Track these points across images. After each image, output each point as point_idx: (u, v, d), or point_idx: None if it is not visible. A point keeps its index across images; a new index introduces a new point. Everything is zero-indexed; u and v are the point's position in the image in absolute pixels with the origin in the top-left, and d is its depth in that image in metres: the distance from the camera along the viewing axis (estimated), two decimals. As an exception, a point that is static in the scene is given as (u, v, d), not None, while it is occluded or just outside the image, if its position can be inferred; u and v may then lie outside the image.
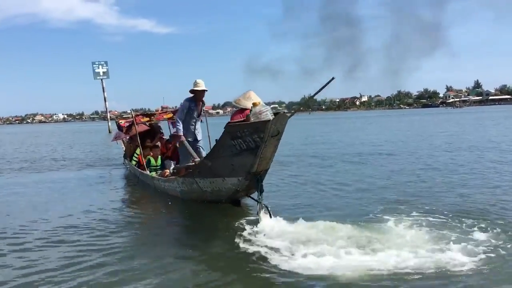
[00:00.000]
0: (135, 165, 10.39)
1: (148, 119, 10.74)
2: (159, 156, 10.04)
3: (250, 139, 5.89)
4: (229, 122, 6.34)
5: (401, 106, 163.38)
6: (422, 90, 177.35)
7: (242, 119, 6.44)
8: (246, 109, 6.79)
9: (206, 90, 8.28)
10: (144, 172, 9.61)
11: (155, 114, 11.04)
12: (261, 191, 6.27)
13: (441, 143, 17.65)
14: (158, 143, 10.67)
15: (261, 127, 5.73)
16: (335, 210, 6.87)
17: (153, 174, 9.43)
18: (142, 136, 10.81)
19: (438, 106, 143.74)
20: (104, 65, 45.48)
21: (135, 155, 10.52)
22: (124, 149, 13.35)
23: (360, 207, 6.97)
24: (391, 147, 16.75)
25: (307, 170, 11.42)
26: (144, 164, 9.86)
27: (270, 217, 6.19)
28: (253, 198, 6.73)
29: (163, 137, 11.58)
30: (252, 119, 5.87)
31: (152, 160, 9.89)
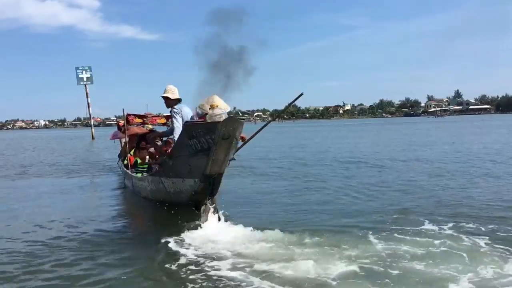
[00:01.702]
0: (125, 165, 10.34)
1: (141, 120, 10.76)
2: (148, 158, 9.99)
3: (204, 140, 5.89)
4: (186, 121, 6.52)
5: (384, 114, 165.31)
6: (404, 99, 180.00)
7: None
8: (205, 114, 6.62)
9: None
10: (128, 170, 9.50)
11: (147, 116, 11.04)
12: (212, 194, 6.33)
13: (450, 151, 17.91)
14: (148, 146, 10.63)
15: (212, 128, 5.74)
16: (294, 221, 6.68)
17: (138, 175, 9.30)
18: (140, 138, 10.69)
19: (419, 115, 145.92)
20: (88, 70, 45.11)
21: (128, 155, 10.49)
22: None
23: (317, 218, 6.83)
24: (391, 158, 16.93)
25: (290, 181, 11.38)
26: (131, 164, 9.83)
27: (219, 220, 6.25)
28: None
29: (158, 142, 11.54)
30: (208, 121, 5.90)
31: (139, 161, 9.87)
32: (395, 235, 5.55)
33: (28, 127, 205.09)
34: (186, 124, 6.28)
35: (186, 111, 7.24)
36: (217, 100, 6.85)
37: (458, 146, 19.65)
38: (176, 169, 6.46)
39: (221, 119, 5.79)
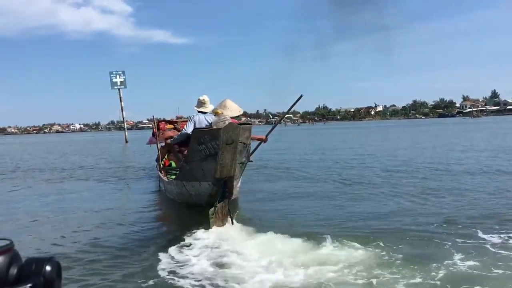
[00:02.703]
0: (160, 169, 10.42)
1: (172, 126, 10.91)
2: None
3: (211, 145, 6.25)
4: (194, 128, 7.07)
5: (417, 116, 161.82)
6: (438, 100, 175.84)
7: None
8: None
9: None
10: (160, 174, 9.74)
11: (177, 122, 11.18)
12: (225, 197, 6.63)
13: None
14: (182, 149, 10.65)
15: (216, 134, 6.13)
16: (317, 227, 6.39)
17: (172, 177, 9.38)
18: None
19: (454, 116, 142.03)
20: (122, 74, 45.81)
21: (164, 159, 10.63)
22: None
23: (341, 224, 6.51)
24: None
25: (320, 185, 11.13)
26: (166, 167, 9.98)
27: (232, 223, 6.45)
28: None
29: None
30: (214, 127, 6.38)
31: (173, 163, 9.98)
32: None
33: (64, 130, 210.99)
34: (193, 131, 6.81)
35: (201, 119, 7.68)
36: (229, 104, 7.64)
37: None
38: (193, 173, 6.85)
39: (223, 125, 6.16)
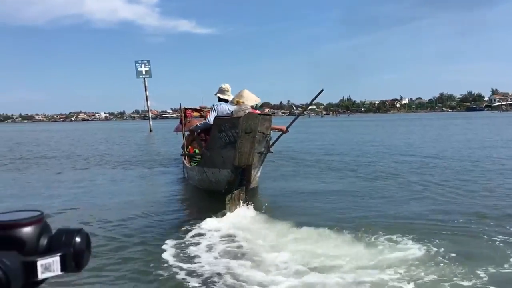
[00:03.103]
0: (185, 156, 10.56)
1: (198, 114, 11.21)
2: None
3: (230, 133, 6.48)
4: (216, 116, 7.37)
5: (444, 109, 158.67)
6: (466, 93, 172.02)
7: None
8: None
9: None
10: (185, 161, 9.90)
11: (203, 110, 11.26)
12: (242, 184, 6.89)
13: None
14: (208, 137, 10.74)
15: (236, 122, 6.38)
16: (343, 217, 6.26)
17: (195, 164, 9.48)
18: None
19: (483, 110, 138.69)
20: (147, 64, 46.03)
21: (190, 147, 10.73)
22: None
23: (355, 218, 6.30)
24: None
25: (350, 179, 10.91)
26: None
27: (248, 210, 6.58)
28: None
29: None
30: (234, 116, 6.62)
31: (197, 151, 9.97)
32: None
33: (89, 119, 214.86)
34: (215, 119, 7.12)
35: (223, 108, 7.78)
36: (246, 94, 7.86)
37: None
38: (213, 159, 7.05)
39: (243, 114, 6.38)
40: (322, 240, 5.08)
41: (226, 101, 8.12)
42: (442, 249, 4.64)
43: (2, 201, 8.35)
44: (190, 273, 4.20)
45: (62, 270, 0.65)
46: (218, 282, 3.97)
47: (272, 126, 7.60)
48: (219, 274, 4.14)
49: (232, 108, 7.44)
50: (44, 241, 0.66)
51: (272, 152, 8.09)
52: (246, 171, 6.81)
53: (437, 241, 4.93)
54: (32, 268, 0.61)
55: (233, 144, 6.47)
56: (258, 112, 7.74)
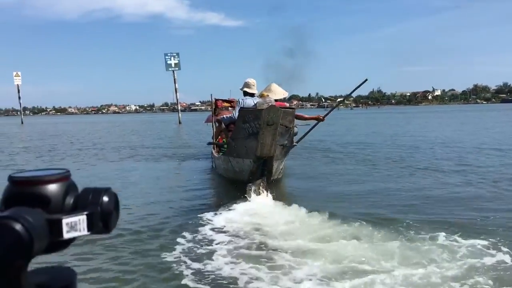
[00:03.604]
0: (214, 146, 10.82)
1: (229, 104, 11.40)
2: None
3: (254, 125, 6.73)
4: (241, 107, 7.67)
5: (478, 101, 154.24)
6: (501, 84, 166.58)
7: None
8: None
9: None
10: (213, 151, 10.18)
11: (233, 101, 11.31)
12: (263, 175, 7.04)
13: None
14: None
15: (258, 114, 6.60)
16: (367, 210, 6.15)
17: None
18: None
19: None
20: (176, 56, 46.18)
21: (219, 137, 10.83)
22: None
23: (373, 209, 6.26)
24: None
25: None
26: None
27: (269, 200, 6.69)
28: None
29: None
30: (258, 108, 6.89)
31: (224, 140, 10.00)
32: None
33: (120, 111, 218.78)
34: (240, 110, 7.43)
35: (248, 102, 7.93)
36: (274, 88, 8.24)
37: None
38: (237, 149, 7.36)
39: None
40: (348, 236, 4.87)
41: (252, 95, 8.28)
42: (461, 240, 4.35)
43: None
44: (200, 266, 4.18)
45: (89, 230, 0.63)
46: (226, 278, 3.91)
47: (306, 116, 8.19)
48: (229, 268, 4.11)
49: (257, 101, 7.61)
50: (70, 199, 0.64)
51: (296, 145, 8.16)
52: (268, 162, 7.00)
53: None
54: (57, 227, 0.59)
55: (255, 135, 6.74)
56: (287, 105, 8.19)
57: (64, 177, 0.64)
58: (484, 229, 5.00)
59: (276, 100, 7.81)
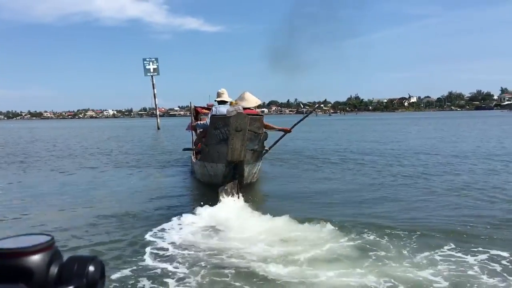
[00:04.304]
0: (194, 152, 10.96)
1: (208, 111, 11.22)
2: None
3: (224, 131, 7.20)
4: (212, 115, 8.11)
5: (452, 108, 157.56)
6: (475, 92, 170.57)
7: None
8: (243, 108, 7.99)
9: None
10: (192, 157, 10.55)
11: (211, 108, 11.44)
12: (234, 178, 7.40)
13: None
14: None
15: (227, 121, 7.02)
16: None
17: None
18: None
19: (492, 109, 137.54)
20: (155, 61, 46.11)
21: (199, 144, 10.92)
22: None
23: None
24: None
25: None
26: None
27: (237, 201, 7.00)
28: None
29: None
30: (227, 115, 7.23)
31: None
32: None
33: (97, 116, 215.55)
34: (211, 117, 7.91)
35: (221, 110, 8.21)
36: (247, 96, 8.67)
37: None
38: (211, 154, 7.84)
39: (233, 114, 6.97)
40: (297, 231, 5.34)
41: (225, 102, 8.61)
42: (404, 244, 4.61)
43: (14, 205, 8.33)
44: (165, 265, 4.40)
45: None
46: (187, 271, 4.20)
47: (276, 126, 8.76)
48: (192, 262, 4.41)
49: (226, 108, 7.98)
50: (54, 269, 0.59)
51: (268, 150, 8.83)
52: (239, 166, 7.38)
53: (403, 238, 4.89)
54: None
55: (226, 140, 7.14)
56: (258, 112, 8.64)
57: (47, 246, 0.60)
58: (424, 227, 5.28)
59: (248, 108, 8.39)
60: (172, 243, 5.02)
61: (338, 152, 15.79)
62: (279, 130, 8.92)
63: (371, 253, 4.57)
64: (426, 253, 4.51)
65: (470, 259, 4.36)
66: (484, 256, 4.41)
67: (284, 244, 4.89)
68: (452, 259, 4.37)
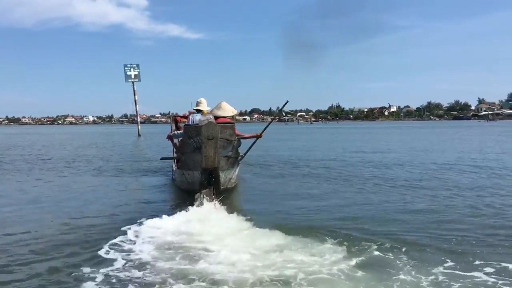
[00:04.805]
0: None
1: (186, 120, 11.30)
2: None
3: (197, 140, 7.56)
4: (185, 124, 8.49)
5: (431, 117, 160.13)
6: (453, 102, 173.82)
7: None
8: (219, 117, 8.70)
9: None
10: (173, 165, 10.68)
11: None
12: (210, 184, 7.69)
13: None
14: None
15: (199, 130, 7.34)
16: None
17: None
18: None
19: (469, 119, 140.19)
20: (136, 68, 45.69)
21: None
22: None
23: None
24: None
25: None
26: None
27: (215, 207, 7.12)
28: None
29: None
30: (199, 125, 7.60)
31: None
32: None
33: (77, 122, 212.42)
34: (184, 126, 8.28)
35: (195, 119, 8.54)
36: (223, 106, 9.07)
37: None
38: (187, 162, 8.19)
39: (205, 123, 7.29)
40: (266, 238, 5.39)
41: (201, 112, 8.88)
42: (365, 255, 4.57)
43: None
44: (128, 269, 4.49)
45: None
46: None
47: (246, 135, 9.14)
48: (157, 270, 4.42)
49: (199, 118, 8.40)
50: None
51: (243, 156, 9.34)
52: (214, 172, 7.66)
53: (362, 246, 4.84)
54: None
55: (200, 149, 7.41)
56: (230, 120, 8.97)
57: None
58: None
59: (224, 117, 8.85)
60: (127, 256, 4.93)
61: (319, 161, 15.80)
62: (250, 137, 9.27)
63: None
64: (418, 266, 4.49)
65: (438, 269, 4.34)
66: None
67: (253, 251, 4.90)
68: (427, 267, 4.35)
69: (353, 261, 4.59)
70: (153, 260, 4.71)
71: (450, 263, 4.55)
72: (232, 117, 9.44)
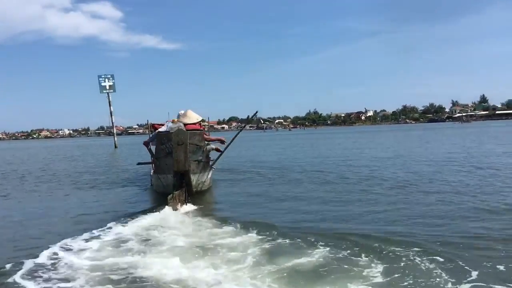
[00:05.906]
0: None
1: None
2: None
3: (169, 145, 8.34)
4: (157, 131, 9.55)
5: (407, 120, 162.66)
6: (428, 105, 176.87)
7: None
8: (185, 124, 9.56)
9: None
10: (152, 171, 10.90)
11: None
12: (182, 186, 8.16)
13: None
14: None
15: (169, 137, 8.19)
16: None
17: None
18: None
19: (444, 121, 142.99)
20: (111, 78, 44.87)
21: None
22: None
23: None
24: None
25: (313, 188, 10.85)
26: None
27: (186, 209, 7.71)
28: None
29: None
30: (170, 131, 8.42)
31: None
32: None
33: (52, 136, 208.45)
34: (157, 133, 9.33)
35: (170, 125, 9.25)
36: (189, 113, 10.10)
37: None
38: (161, 167, 8.92)
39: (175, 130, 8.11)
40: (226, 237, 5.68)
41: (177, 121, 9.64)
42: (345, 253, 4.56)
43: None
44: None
45: None
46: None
47: (212, 137, 10.18)
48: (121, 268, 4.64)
49: (170, 125, 9.21)
50: None
51: (214, 168, 10.46)
52: (185, 175, 8.18)
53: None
54: None
55: (171, 153, 8.08)
56: (199, 127, 10.02)
57: None
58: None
59: (193, 124, 9.84)
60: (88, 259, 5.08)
61: (296, 164, 15.84)
62: (216, 139, 10.37)
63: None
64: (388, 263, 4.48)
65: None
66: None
67: (208, 252, 5.08)
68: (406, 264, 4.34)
69: (302, 259, 4.76)
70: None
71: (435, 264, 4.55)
72: (200, 124, 10.40)
